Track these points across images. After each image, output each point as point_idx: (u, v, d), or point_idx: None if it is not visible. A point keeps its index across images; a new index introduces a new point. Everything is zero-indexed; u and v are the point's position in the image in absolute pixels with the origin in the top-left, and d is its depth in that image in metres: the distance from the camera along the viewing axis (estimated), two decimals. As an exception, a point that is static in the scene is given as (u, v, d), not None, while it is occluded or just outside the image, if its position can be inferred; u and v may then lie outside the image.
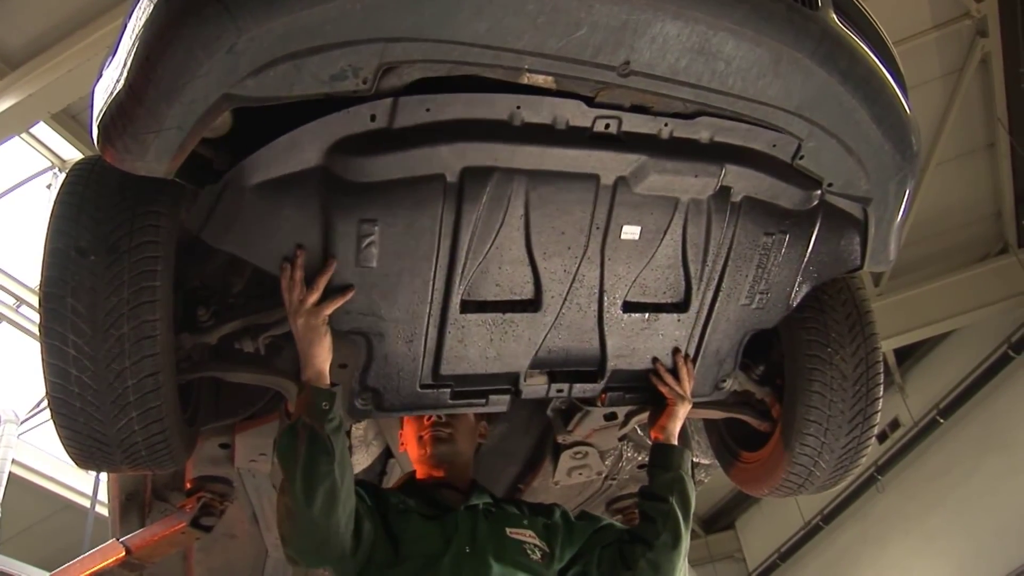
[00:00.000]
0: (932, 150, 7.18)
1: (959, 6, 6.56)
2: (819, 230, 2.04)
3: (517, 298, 1.95)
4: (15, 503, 7.82)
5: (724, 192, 1.89)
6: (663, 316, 2.07)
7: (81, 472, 7.34)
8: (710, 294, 2.06)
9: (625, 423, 2.41)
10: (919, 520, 9.30)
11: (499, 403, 2.10)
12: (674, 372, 2.17)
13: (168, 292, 1.81)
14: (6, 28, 5.23)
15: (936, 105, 7.11)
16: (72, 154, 6.53)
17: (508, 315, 1.95)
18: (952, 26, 6.63)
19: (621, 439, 2.60)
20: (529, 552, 2.01)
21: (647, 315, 2.06)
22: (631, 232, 1.90)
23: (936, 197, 7.51)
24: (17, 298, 7.64)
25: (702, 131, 1.81)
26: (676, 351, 2.15)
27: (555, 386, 2.12)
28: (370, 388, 1.97)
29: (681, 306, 2.07)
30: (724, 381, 2.29)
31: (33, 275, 7.20)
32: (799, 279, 2.14)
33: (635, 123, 1.76)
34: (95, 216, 1.77)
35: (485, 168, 1.72)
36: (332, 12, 1.45)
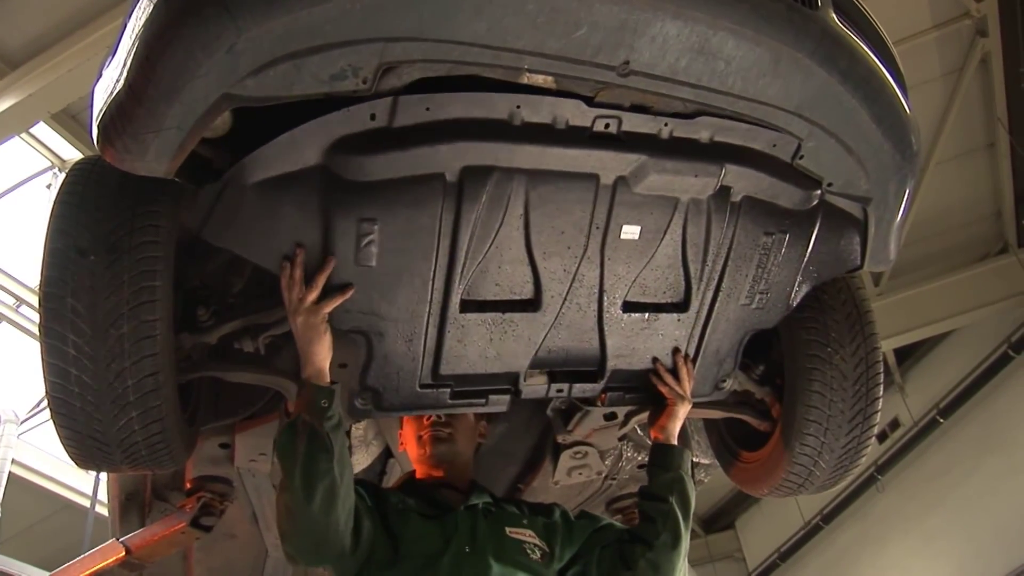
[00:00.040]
0: (932, 150, 7.18)
1: (959, 6, 6.56)
2: (819, 230, 2.04)
3: (517, 298, 1.95)
4: (15, 503, 7.81)
5: (724, 192, 1.89)
6: (663, 316, 2.07)
7: (81, 472, 7.34)
8: (710, 294, 2.06)
9: (625, 423, 2.41)
10: (919, 520, 9.30)
11: (499, 403, 2.10)
12: (674, 372, 2.17)
13: (168, 292, 1.81)
14: (6, 28, 5.23)
15: (936, 105, 7.11)
16: (72, 154, 6.53)
17: (508, 315, 1.95)
18: (952, 26, 6.63)
19: (621, 439, 2.60)
20: (529, 552, 2.01)
21: (647, 315, 2.06)
22: (631, 232, 1.90)
23: (936, 197, 7.51)
24: (17, 298, 7.64)
25: (702, 131, 1.81)
26: (676, 351, 2.15)
27: (555, 386, 2.11)
28: (370, 388, 1.97)
29: (681, 306, 2.07)
30: (724, 381, 2.29)
31: (33, 275, 7.19)
32: (799, 279, 2.14)
33: (635, 123, 1.76)
34: (95, 216, 1.77)
35: (485, 167, 1.72)
36: (332, 12, 1.45)
